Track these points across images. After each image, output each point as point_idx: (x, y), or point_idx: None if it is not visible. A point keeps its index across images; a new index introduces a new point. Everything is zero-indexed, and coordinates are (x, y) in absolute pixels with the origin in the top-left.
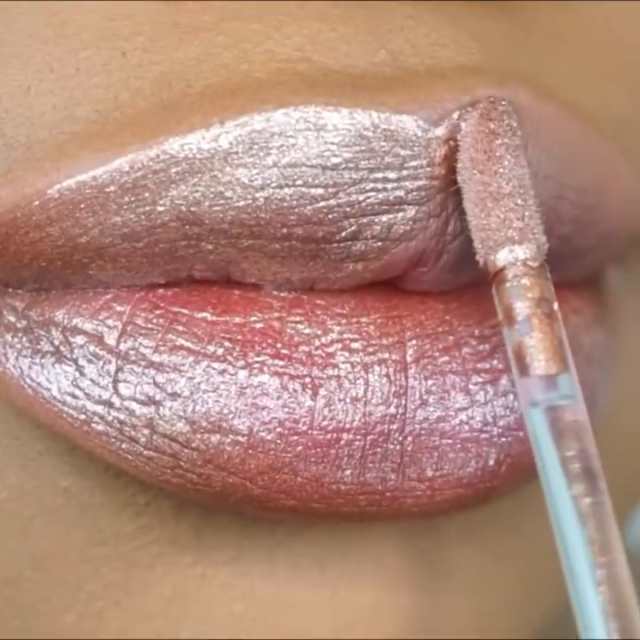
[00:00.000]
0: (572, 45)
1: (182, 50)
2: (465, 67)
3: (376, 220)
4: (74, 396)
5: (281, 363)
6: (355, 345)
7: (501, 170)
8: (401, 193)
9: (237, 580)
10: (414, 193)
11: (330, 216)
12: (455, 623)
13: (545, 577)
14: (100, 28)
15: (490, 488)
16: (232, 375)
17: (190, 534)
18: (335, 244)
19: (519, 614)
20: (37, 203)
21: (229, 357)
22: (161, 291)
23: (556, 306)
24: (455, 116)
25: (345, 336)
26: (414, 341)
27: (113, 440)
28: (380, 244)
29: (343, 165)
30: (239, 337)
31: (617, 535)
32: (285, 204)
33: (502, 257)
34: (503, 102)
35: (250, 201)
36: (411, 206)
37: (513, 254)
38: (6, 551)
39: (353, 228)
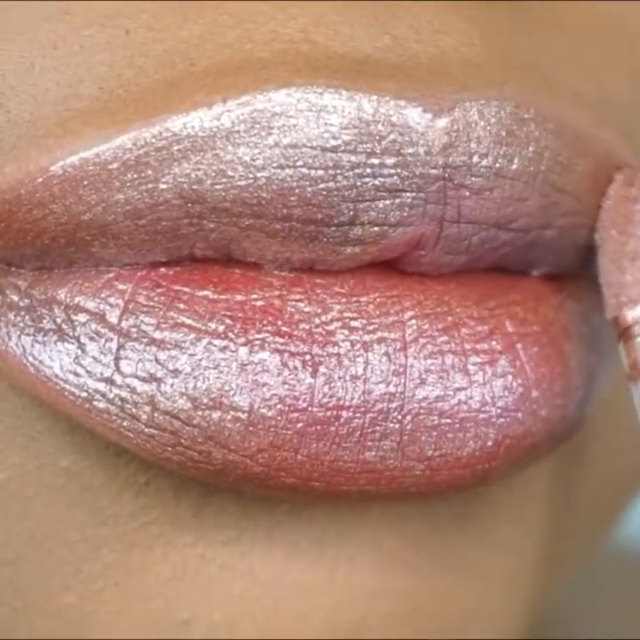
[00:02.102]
0: (573, 32)
1: (186, 28)
2: (467, 56)
3: (373, 206)
4: (76, 374)
5: (281, 340)
6: (354, 323)
7: (639, 233)
8: (397, 180)
9: (237, 561)
10: (411, 180)
11: (329, 199)
12: (451, 607)
13: (543, 563)
14: (105, 6)
15: (488, 469)
16: (233, 352)
17: (190, 514)
18: (334, 228)
19: (516, 599)
20: (41, 180)
21: (230, 334)
22: (163, 269)
23: None
24: (456, 108)
25: (345, 314)
26: (413, 321)
27: (114, 418)
28: (376, 229)
29: (342, 148)
30: (240, 314)
31: None
32: (286, 184)
33: (634, 314)
34: None
35: (251, 180)
36: (407, 193)
37: None
38: (6, 531)
39: (351, 212)
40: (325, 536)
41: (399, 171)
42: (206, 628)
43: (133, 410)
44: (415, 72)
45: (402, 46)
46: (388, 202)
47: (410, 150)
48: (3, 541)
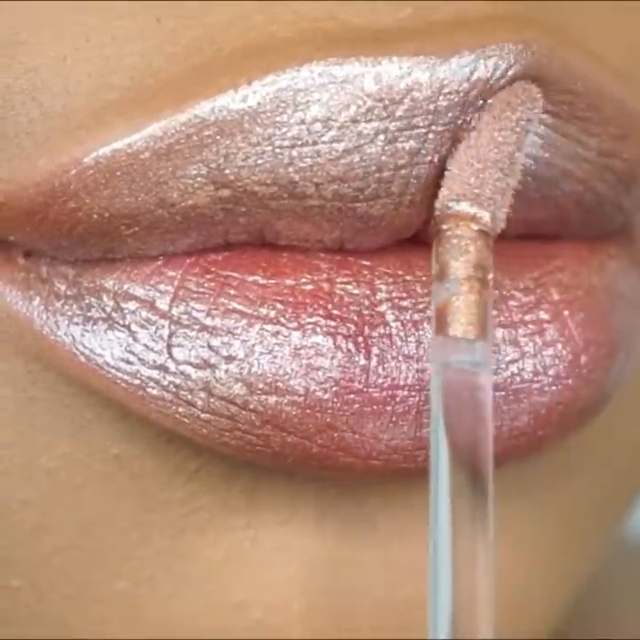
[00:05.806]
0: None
1: (215, 13)
2: (486, 16)
3: (395, 174)
4: (128, 362)
5: (333, 323)
6: (403, 303)
7: (500, 138)
8: (418, 143)
9: (290, 542)
10: (429, 142)
11: (355, 172)
12: (507, 578)
13: (588, 533)
14: None
15: (542, 437)
16: (286, 337)
17: (242, 498)
18: (363, 203)
19: (564, 568)
20: (74, 171)
21: (282, 319)
22: (212, 256)
23: (490, 276)
24: (474, 62)
25: (393, 294)
26: None
27: (169, 404)
28: (398, 200)
29: (367, 116)
30: (290, 299)
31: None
32: (314, 161)
33: (456, 208)
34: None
35: (280, 160)
36: (427, 156)
37: (467, 211)
38: (57, 519)
39: (376, 184)
40: (376, 515)
41: (419, 130)
42: (260, 610)
43: (188, 396)
44: (434, 32)
45: (424, 14)
46: (407, 170)
47: (430, 107)
48: (54, 529)
